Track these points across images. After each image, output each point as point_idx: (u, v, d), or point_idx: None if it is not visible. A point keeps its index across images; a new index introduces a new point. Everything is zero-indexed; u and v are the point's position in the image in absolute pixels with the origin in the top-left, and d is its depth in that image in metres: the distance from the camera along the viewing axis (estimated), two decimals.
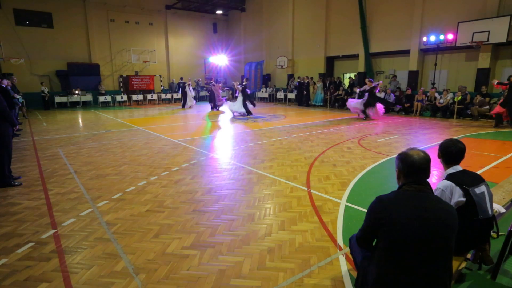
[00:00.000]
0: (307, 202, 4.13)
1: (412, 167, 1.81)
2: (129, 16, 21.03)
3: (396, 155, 1.95)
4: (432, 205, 1.72)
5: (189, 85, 17.75)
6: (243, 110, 13.54)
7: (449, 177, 2.32)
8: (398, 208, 1.71)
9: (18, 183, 4.91)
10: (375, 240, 1.86)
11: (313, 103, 18.03)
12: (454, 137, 2.82)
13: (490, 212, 2.30)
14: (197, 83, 22.89)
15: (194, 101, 18.71)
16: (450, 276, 1.74)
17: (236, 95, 15.28)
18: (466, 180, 2.27)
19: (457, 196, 2.23)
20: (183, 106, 17.92)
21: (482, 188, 2.29)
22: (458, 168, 2.37)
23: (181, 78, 19.90)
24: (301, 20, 20.03)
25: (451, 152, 2.34)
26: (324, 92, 17.67)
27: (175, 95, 21.81)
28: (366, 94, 12.00)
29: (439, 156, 2.43)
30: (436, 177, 4.94)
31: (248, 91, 13.79)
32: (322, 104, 17.76)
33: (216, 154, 6.90)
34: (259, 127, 10.69)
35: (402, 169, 1.86)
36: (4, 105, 4.65)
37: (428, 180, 1.86)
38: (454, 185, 2.25)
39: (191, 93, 17.99)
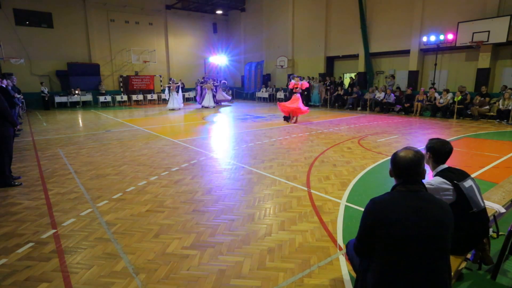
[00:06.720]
0: (307, 202, 4.14)
1: (399, 167, 1.81)
2: (129, 16, 21.03)
3: None
4: (427, 205, 1.71)
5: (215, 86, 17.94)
6: (213, 103, 17.76)
7: (438, 174, 2.40)
8: (392, 209, 1.69)
9: (18, 183, 4.91)
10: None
11: (310, 103, 18.03)
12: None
13: (482, 204, 2.36)
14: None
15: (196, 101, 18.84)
16: (449, 275, 1.73)
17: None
18: (454, 176, 2.34)
19: (446, 191, 2.29)
20: (204, 105, 17.92)
21: (469, 182, 2.35)
22: (444, 166, 2.45)
23: (203, 77, 19.77)
24: (301, 20, 20.02)
25: (446, 152, 2.41)
26: (323, 92, 17.63)
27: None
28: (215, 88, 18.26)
29: (429, 157, 2.45)
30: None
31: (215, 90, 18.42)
32: (321, 104, 17.73)
33: (216, 154, 6.90)
34: (259, 127, 10.70)
35: (391, 169, 1.88)
36: (5, 105, 4.65)
37: (424, 179, 1.84)
38: (444, 180, 2.31)
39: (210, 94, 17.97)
